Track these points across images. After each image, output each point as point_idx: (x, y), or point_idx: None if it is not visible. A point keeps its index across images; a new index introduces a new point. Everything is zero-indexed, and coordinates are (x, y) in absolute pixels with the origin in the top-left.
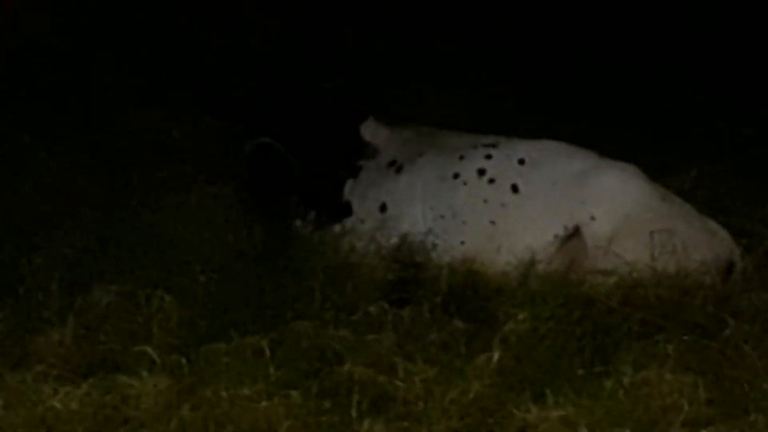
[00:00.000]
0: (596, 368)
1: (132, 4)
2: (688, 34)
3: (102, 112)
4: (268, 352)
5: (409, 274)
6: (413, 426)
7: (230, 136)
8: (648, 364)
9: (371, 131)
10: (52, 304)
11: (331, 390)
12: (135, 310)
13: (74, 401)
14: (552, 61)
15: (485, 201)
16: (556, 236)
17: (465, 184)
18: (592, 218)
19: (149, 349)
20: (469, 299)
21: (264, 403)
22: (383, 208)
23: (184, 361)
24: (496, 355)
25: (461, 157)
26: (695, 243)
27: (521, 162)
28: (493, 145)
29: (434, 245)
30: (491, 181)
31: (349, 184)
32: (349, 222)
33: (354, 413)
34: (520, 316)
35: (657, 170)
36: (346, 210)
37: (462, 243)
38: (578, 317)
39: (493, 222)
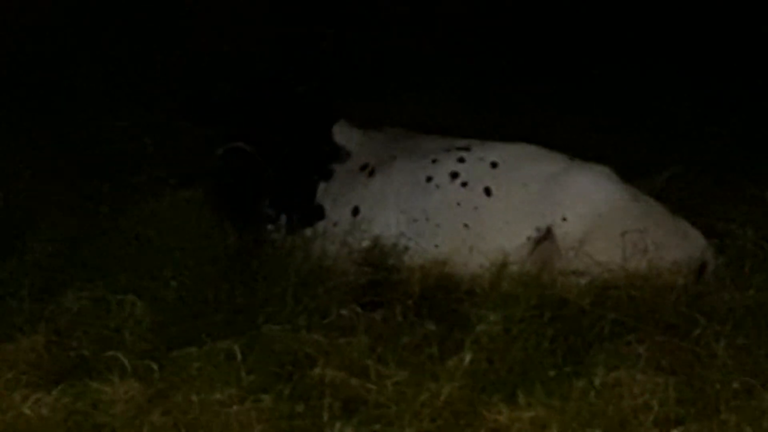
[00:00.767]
0: (568, 369)
1: (105, 10)
2: (664, 38)
3: (75, 118)
4: (239, 357)
5: (382, 277)
6: (385, 429)
7: (203, 141)
8: (620, 365)
9: (343, 134)
10: (23, 311)
11: (303, 394)
12: (106, 315)
13: (45, 407)
14: (525, 65)
15: (458, 204)
16: (528, 238)
17: (438, 187)
18: (564, 219)
19: (120, 355)
20: (441, 302)
21: (235, 408)
22: (356, 211)
23: (155, 366)
24: (467, 357)
25: (434, 161)
26: (667, 243)
27: (494, 165)
28: (466, 149)
29: (407, 248)
30: (464, 184)
31: (321, 188)
32: (321, 225)
33: (326, 416)
34: (492, 318)
35: (630, 172)
36: (318, 213)
37: (435, 246)
38: (550, 318)
39: (466, 225)
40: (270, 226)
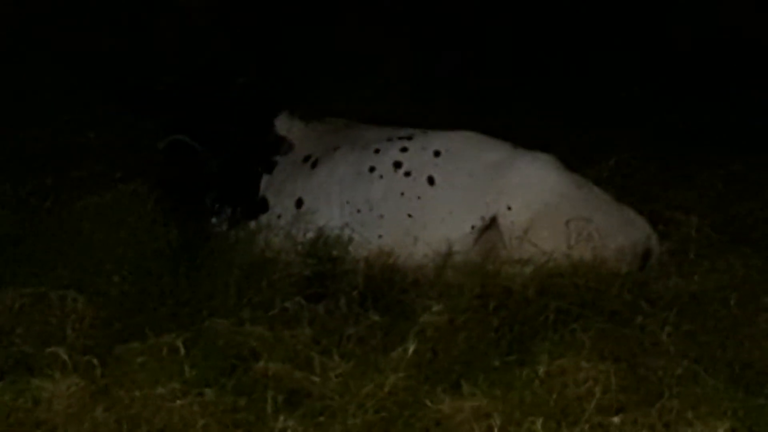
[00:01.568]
0: (512, 358)
1: (48, 4)
2: (610, 27)
3: (17, 112)
4: (183, 351)
5: (326, 268)
6: (328, 421)
7: (145, 134)
8: (564, 353)
9: (286, 126)
10: None
11: (246, 387)
12: (48, 311)
13: None
14: (469, 56)
15: (402, 194)
16: (473, 227)
17: (381, 177)
18: (509, 208)
19: (62, 351)
20: (385, 292)
21: (178, 402)
22: (299, 203)
23: (97, 362)
24: (411, 348)
25: (377, 151)
26: (612, 231)
27: (437, 154)
28: (409, 138)
29: (351, 239)
30: (407, 173)
31: (264, 180)
32: (264, 218)
33: (269, 409)
34: (436, 308)
35: (575, 160)
36: (262, 206)
37: (379, 236)
38: (495, 308)
39: (410, 215)
40: (213, 219)
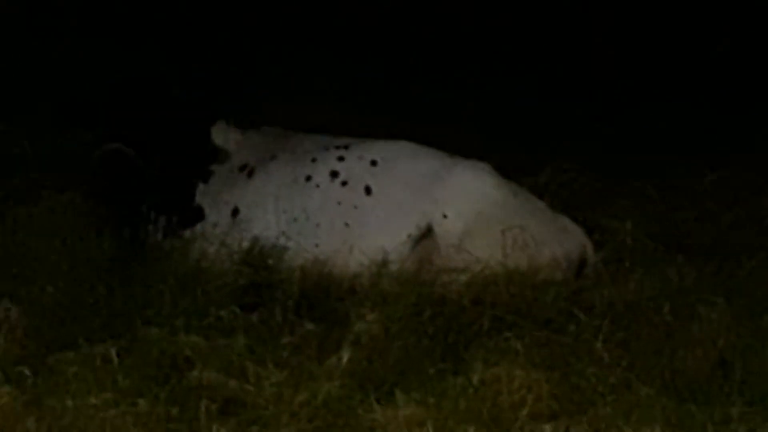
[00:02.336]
0: (447, 367)
1: None
2: (547, 38)
3: None
4: (116, 360)
5: (261, 277)
6: (262, 430)
7: (81, 144)
8: (498, 361)
9: (222, 135)
10: None
11: (180, 396)
12: None
13: None
14: (406, 66)
15: (338, 203)
16: (409, 236)
17: (318, 186)
18: (445, 217)
19: None
20: (321, 301)
21: (111, 412)
22: (235, 212)
23: (28, 372)
24: (345, 356)
25: (313, 160)
26: (547, 239)
27: (373, 163)
28: (345, 147)
29: (287, 248)
30: (344, 183)
31: (200, 189)
32: (200, 227)
33: (203, 419)
34: (371, 317)
35: (511, 169)
36: (198, 215)
37: (315, 245)
38: (430, 316)
39: (346, 224)
40: (149, 229)
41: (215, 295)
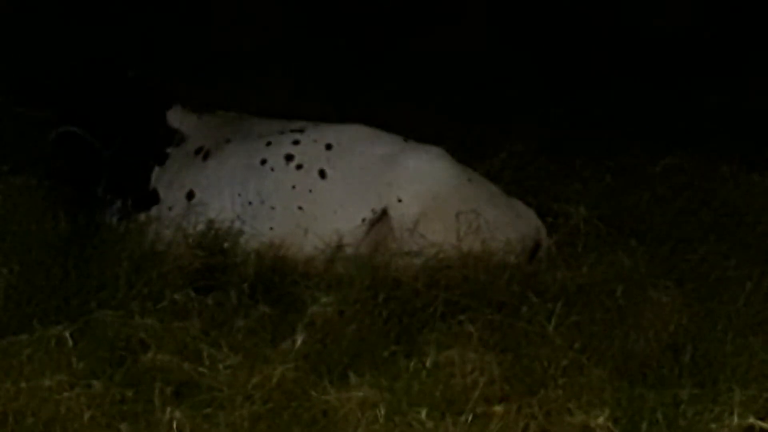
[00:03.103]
0: (400, 349)
1: None
2: (500, 18)
3: None
4: (70, 343)
5: (216, 261)
6: (216, 412)
7: (35, 125)
8: (451, 344)
9: (178, 118)
10: None
11: (134, 379)
12: None
13: None
14: (359, 48)
15: (293, 187)
16: (364, 220)
17: (273, 170)
18: (399, 200)
19: None
20: (275, 285)
21: (65, 394)
22: (190, 195)
23: None
24: (300, 339)
25: (268, 143)
26: (501, 223)
27: (328, 147)
28: (301, 131)
29: (242, 232)
30: (299, 167)
31: (155, 172)
32: (155, 210)
33: (157, 401)
34: (326, 300)
35: (465, 153)
36: (153, 198)
37: (270, 229)
38: (384, 299)
39: (301, 207)
40: (104, 211)
41: (170, 279)
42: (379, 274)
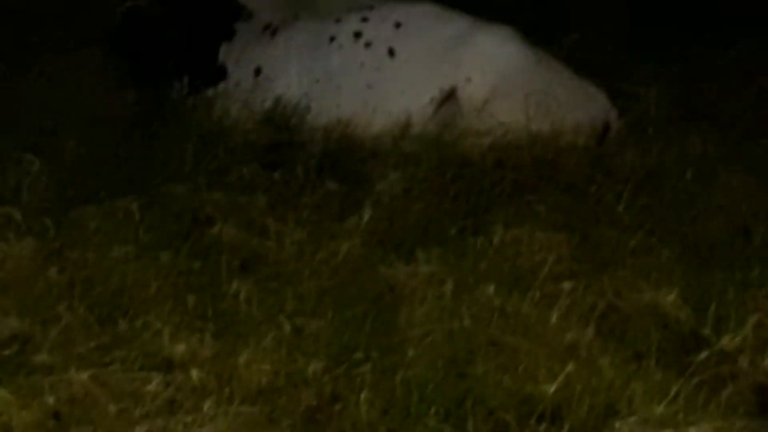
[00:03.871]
0: (467, 228)
1: None
2: None
3: None
4: (137, 215)
5: (283, 137)
6: (282, 286)
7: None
8: (519, 224)
9: None
10: None
11: (201, 252)
12: (3, 173)
13: None
14: None
15: (361, 64)
16: (431, 99)
17: (341, 47)
18: (468, 80)
19: (15, 212)
20: (343, 162)
21: (132, 265)
22: (258, 71)
23: (50, 223)
24: (366, 216)
25: (337, 20)
26: (570, 105)
27: (397, 25)
28: (369, 9)
29: (309, 108)
30: (367, 44)
31: (223, 48)
32: (222, 86)
33: (224, 274)
34: (393, 177)
35: (536, 35)
36: (220, 73)
37: (337, 106)
38: (451, 178)
39: (369, 86)
40: (171, 86)
41: (237, 154)
42: (446, 153)
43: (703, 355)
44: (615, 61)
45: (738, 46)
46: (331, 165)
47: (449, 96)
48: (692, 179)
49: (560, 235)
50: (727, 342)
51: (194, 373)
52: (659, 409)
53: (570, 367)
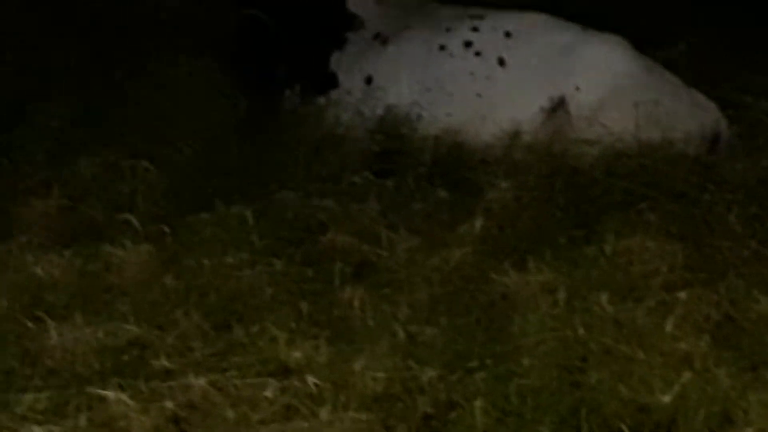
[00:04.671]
0: (578, 237)
1: None
2: None
3: None
4: (252, 222)
5: (394, 145)
6: (395, 293)
7: (218, 8)
8: (630, 233)
9: (358, 3)
10: (37, 175)
11: (314, 258)
12: (119, 180)
13: (57, 269)
14: None
15: (471, 73)
16: (541, 108)
17: (451, 56)
18: (578, 89)
19: (133, 218)
20: (453, 170)
21: (247, 271)
22: (369, 80)
23: (167, 230)
24: (478, 224)
25: (448, 29)
26: (680, 114)
27: (507, 35)
28: (480, 18)
29: (419, 117)
30: (478, 53)
31: (335, 56)
32: (334, 94)
33: (336, 281)
34: (504, 186)
35: (644, 43)
36: (332, 82)
37: (448, 115)
38: (562, 187)
39: (479, 94)
40: (283, 95)
41: (349, 162)
42: (556, 162)
43: None
44: (724, 70)
45: None
46: (441, 173)
47: (559, 105)
48: None
49: (672, 244)
50: None
51: (310, 380)
52: None
53: (685, 376)
